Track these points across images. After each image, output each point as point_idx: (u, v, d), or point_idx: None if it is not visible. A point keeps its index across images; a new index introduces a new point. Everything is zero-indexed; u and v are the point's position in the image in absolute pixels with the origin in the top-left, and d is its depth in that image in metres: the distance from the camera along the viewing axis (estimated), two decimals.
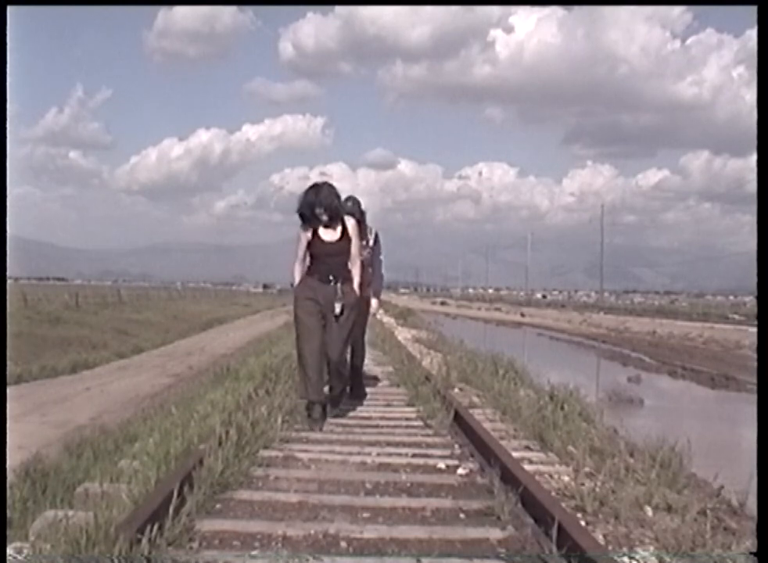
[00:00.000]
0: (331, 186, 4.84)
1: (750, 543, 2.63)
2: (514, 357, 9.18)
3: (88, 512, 2.69)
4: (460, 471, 3.78)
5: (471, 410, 5.23)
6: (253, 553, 2.58)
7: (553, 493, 3.21)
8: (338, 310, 4.82)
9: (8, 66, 2.72)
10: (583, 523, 2.84)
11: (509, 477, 3.26)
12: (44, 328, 17.52)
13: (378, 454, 4.12)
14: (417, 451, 4.25)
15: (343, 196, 5.14)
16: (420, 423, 5.16)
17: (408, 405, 5.93)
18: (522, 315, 46.59)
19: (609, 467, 3.55)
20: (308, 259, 4.94)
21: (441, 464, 3.92)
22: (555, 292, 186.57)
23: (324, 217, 4.80)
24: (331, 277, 4.84)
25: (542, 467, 3.80)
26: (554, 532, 2.54)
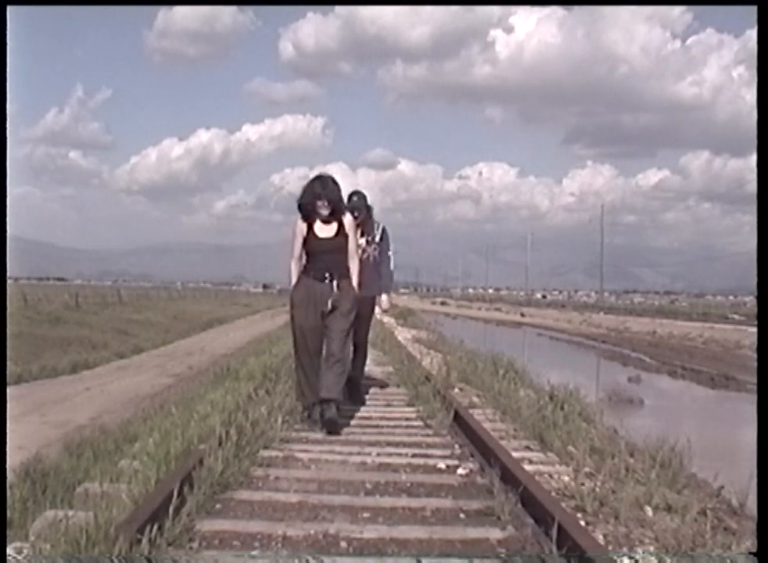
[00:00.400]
0: (335, 180, 4.76)
1: (750, 543, 2.63)
2: (514, 357, 9.18)
3: (88, 512, 2.69)
4: (460, 471, 3.78)
5: (471, 410, 5.23)
6: (253, 553, 2.58)
7: (553, 493, 3.21)
8: (332, 307, 4.68)
9: (8, 66, 2.72)
10: (583, 523, 2.84)
11: (509, 477, 3.26)
12: (44, 328, 17.52)
13: (378, 454, 4.12)
14: (417, 451, 4.24)
15: (344, 195, 5.08)
16: (420, 423, 5.16)
17: (408, 405, 5.93)
18: (522, 315, 46.60)
19: (609, 468, 3.55)
20: (304, 257, 4.83)
21: (441, 464, 3.92)
22: (555, 292, 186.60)
23: (325, 212, 4.70)
24: (326, 275, 4.72)
25: (542, 468, 3.80)
26: (554, 532, 2.54)
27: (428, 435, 4.75)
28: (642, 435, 4.43)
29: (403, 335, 15.76)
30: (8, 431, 2.84)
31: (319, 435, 4.64)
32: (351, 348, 5.31)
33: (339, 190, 4.80)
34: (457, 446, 4.37)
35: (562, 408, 5.29)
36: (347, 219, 4.84)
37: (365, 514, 3.03)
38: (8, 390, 4.26)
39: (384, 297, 5.92)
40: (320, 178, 4.75)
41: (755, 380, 2.56)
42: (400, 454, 4.15)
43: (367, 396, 6.19)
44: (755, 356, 2.74)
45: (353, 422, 5.15)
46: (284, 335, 14.23)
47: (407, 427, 5.05)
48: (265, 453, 3.99)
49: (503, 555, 2.60)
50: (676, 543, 2.64)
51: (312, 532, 2.79)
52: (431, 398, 5.64)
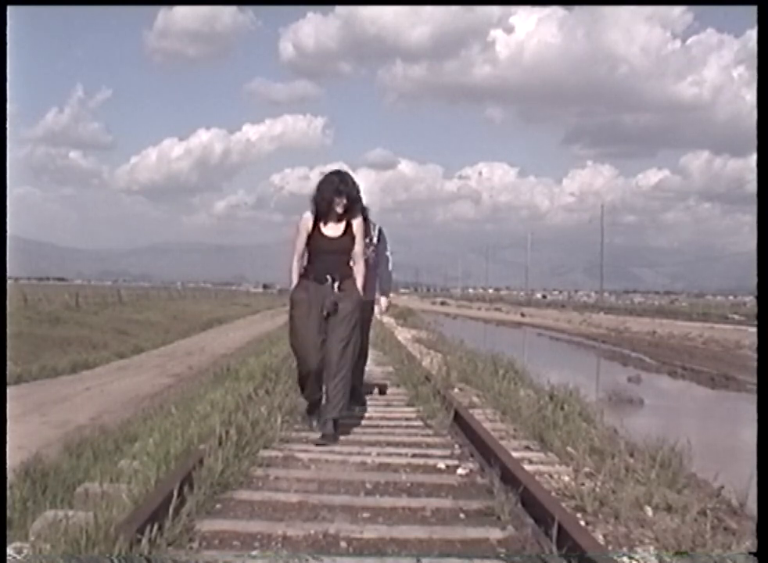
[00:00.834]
0: (353, 177, 4.53)
1: (750, 543, 2.63)
2: (514, 357, 9.18)
3: (88, 512, 2.69)
4: (460, 471, 3.78)
5: (471, 410, 5.23)
6: (253, 553, 2.58)
7: (553, 493, 3.21)
8: (333, 308, 4.43)
9: (8, 66, 2.71)
10: (582, 523, 2.84)
11: (509, 477, 3.26)
12: (44, 328, 17.51)
13: (378, 454, 4.13)
14: (417, 451, 4.25)
15: None
16: (420, 423, 5.16)
17: (408, 405, 5.93)
18: (522, 315, 46.58)
19: (609, 468, 3.55)
20: (305, 256, 4.62)
21: (441, 464, 3.92)
22: (555, 292, 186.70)
23: (340, 210, 4.44)
24: (328, 277, 4.48)
25: (542, 468, 3.80)
26: (554, 532, 2.54)
27: (428, 435, 4.75)
28: (642, 435, 4.43)
29: (403, 335, 15.76)
30: (8, 431, 2.84)
31: (319, 435, 4.63)
32: (356, 351, 4.76)
33: (358, 188, 4.55)
34: (457, 446, 4.37)
35: (562, 408, 5.29)
36: (357, 220, 4.57)
37: (365, 514, 3.03)
38: (8, 390, 4.24)
39: (383, 298, 5.92)
40: (339, 173, 4.51)
41: (755, 380, 2.56)
42: (399, 454, 4.15)
43: (367, 396, 6.19)
44: (755, 356, 2.74)
45: (353, 422, 5.14)
46: (283, 335, 14.20)
47: (407, 427, 5.05)
48: (265, 453, 3.99)
49: (503, 555, 2.60)
50: (676, 543, 2.64)
51: (312, 532, 2.79)
52: (431, 398, 5.65)
